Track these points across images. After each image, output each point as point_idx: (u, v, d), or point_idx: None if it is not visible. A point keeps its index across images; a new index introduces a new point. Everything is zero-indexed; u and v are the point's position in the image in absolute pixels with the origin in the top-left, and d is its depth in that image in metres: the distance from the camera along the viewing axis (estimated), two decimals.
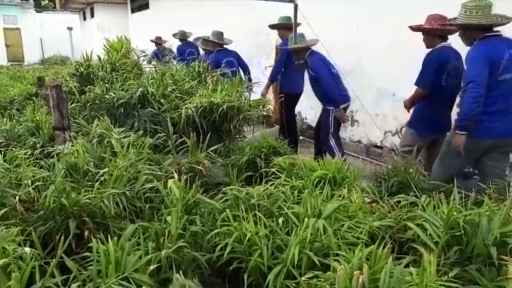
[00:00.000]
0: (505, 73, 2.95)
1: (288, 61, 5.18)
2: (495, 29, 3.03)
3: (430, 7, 4.43)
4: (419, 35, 4.58)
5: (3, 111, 4.71)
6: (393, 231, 2.17)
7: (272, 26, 5.63)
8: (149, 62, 6.06)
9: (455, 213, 1.92)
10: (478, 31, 3.02)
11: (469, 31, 3.08)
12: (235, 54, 5.96)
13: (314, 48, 4.58)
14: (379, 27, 5.16)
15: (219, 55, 5.75)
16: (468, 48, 3.10)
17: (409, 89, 4.80)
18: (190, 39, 7.87)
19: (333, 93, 4.27)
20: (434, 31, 3.63)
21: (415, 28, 3.77)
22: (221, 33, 5.98)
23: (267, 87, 5.47)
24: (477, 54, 2.96)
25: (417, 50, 4.66)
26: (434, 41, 3.68)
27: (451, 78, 3.56)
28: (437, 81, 3.58)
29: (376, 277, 1.56)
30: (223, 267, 2.00)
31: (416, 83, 3.71)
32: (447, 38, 3.69)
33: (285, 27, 5.32)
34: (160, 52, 7.94)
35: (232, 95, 3.87)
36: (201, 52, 7.10)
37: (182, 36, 7.88)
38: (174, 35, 8.05)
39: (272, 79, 5.42)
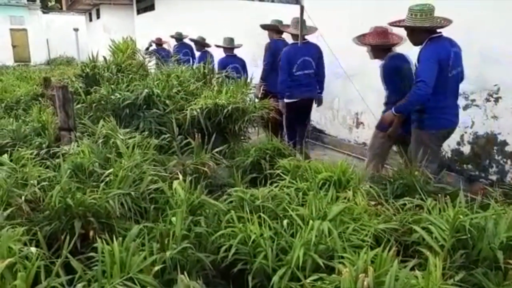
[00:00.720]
0: (452, 70, 3.27)
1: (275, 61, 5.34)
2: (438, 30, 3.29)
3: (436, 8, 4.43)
4: None
5: (9, 111, 4.74)
6: (398, 234, 2.16)
7: (264, 27, 5.84)
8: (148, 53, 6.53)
9: (461, 216, 1.91)
10: (424, 33, 3.30)
11: (415, 33, 3.37)
12: (241, 62, 6.22)
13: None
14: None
15: (227, 60, 6.06)
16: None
17: None
18: (186, 40, 8.31)
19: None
20: (376, 47, 3.92)
21: (362, 42, 4.03)
22: (232, 39, 6.25)
23: (258, 88, 5.46)
24: (429, 54, 3.21)
25: None
26: (379, 53, 3.94)
27: (408, 80, 3.65)
28: (397, 87, 3.75)
29: (381, 280, 1.55)
30: (228, 269, 2.00)
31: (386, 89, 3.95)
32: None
33: (274, 29, 5.57)
34: (160, 50, 8.29)
35: (237, 97, 3.87)
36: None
37: (179, 36, 8.40)
38: (172, 36, 8.47)
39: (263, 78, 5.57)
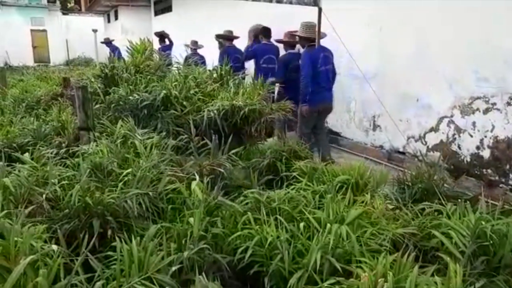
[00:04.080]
0: (321, 66, 4.88)
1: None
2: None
3: (453, 8, 4.37)
4: (444, 40, 4.53)
5: (30, 111, 4.82)
6: (416, 239, 2.13)
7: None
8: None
9: (482, 222, 1.87)
10: (306, 41, 4.97)
11: (301, 40, 5.12)
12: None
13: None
14: (403, 31, 5.10)
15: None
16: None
17: (433, 95, 4.74)
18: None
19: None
20: (284, 43, 5.70)
21: (278, 41, 6.00)
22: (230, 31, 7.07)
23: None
24: (305, 57, 4.92)
25: (441, 55, 4.60)
26: (285, 49, 5.67)
27: (294, 72, 5.24)
28: (287, 75, 5.39)
29: (401, 286, 1.53)
30: (244, 270, 2.00)
31: (275, 77, 5.55)
32: (294, 47, 5.67)
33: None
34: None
35: (254, 98, 3.87)
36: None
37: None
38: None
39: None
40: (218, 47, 7.34)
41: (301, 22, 5.02)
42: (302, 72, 4.82)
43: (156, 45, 9.69)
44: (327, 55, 4.98)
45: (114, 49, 12.06)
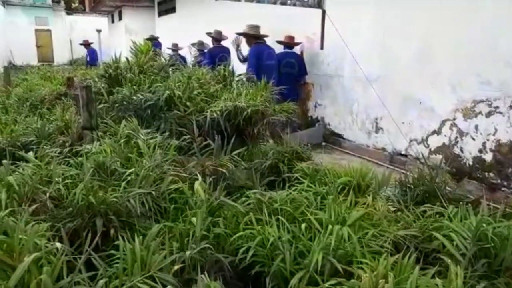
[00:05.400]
0: (266, 61, 5.98)
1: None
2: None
3: (456, 12, 4.38)
4: (447, 43, 4.53)
5: (34, 110, 4.84)
6: (418, 241, 2.14)
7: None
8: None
9: (484, 224, 1.87)
10: (252, 39, 6.30)
11: (247, 38, 6.42)
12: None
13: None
14: (406, 34, 5.11)
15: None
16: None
17: (436, 97, 4.75)
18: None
19: None
20: (283, 43, 6.69)
21: (278, 41, 6.72)
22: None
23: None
24: (252, 52, 6.13)
25: (444, 58, 4.61)
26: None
27: (289, 68, 6.44)
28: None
29: (401, 287, 1.54)
30: (245, 271, 2.01)
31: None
32: (292, 48, 6.71)
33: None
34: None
35: (257, 99, 3.88)
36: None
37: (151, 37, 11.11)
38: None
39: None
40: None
41: (246, 24, 6.47)
42: (248, 64, 6.12)
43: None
44: (271, 52, 6.33)
45: (92, 52, 13.65)
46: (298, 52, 6.86)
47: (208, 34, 7.90)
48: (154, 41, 12.42)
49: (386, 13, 5.39)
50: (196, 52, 8.49)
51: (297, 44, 6.77)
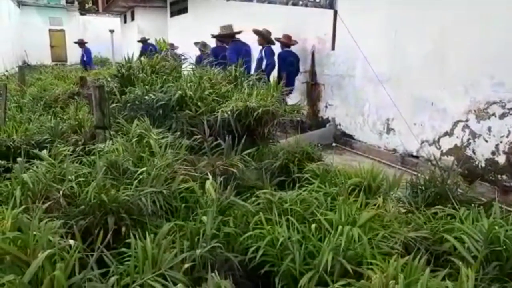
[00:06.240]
0: (244, 58, 5.60)
1: None
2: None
3: (468, 13, 4.33)
4: (460, 44, 4.49)
5: (48, 109, 4.92)
6: (428, 242, 2.12)
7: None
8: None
9: (496, 227, 1.86)
10: (228, 38, 6.95)
11: (225, 38, 7.03)
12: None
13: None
14: (418, 34, 5.07)
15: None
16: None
17: (448, 99, 4.70)
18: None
19: None
20: (281, 43, 6.94)
21: (276, 39, 6.95)
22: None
23: None
24: (231, 50, 6.64)
25: (457, 59, 4.56)
26: (281, 48, 6.94)
27: (290, 66, 6.75)
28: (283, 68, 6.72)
29: None
30: (255, 270, 2.02)
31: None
32: (289, 47, 6.94)
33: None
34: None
35: (267, 100, 3.89)
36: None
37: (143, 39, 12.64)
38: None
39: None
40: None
41: (219, 25, 7.22)
42: (229, 61, 6.11)
43: None
44: (247, 49, 6.94)
45: (88, 51, 13.53)
46: (295, 51, 7.16)
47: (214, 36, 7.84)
48: (144, 44, 12.76)
49: (398, 13, 5.35)
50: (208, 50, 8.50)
51: (294, 43, 7.06)
